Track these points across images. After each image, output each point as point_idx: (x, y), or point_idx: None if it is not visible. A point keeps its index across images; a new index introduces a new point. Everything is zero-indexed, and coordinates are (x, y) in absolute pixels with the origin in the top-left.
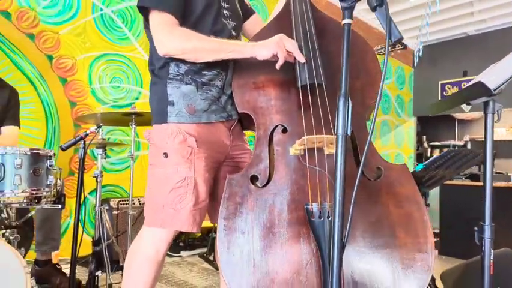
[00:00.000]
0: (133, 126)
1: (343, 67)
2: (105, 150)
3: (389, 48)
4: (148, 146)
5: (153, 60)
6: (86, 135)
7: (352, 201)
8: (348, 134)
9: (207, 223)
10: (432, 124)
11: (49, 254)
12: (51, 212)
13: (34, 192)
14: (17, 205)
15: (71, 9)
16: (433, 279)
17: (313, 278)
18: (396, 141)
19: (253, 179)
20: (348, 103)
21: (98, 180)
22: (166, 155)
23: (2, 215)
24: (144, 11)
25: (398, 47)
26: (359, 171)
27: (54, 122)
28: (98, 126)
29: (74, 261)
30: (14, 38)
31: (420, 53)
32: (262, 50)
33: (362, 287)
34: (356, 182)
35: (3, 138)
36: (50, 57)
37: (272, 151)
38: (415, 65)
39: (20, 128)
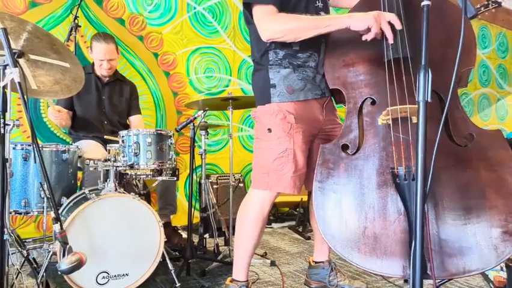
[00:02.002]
0: (231, 109)
1: (423, 44)
2: (207, 131)
3: (483, 8)
4: (239, 129)
5: (254, 52)
6: (195, 118)
7: (432, 162)
8: (428, 100)
9: (294, 198)
10: None
11: (168, 217)
12: (168, 183)
13: (161, 164)
14: (144, 176)
15: (170, 11)
16: None
17: (400, 234)
18: (497, 116)
19: (344, 147)
20: (428, 74)
21: (203, 157)
22: (270, 130)
23: (133, 186)
24: (248, 7)
25: (492, 5)
26: (439, 133)
27: (161, 110)
28: (204, 110)
29: (191, 222)
30: (128, 41)
31: None
32: (358, 22)
33: (448, 246)
34: (437, 140)
35: (135, 127)
36: (156, 55)
37: (361, 122)
38: None
39: (141, 114)
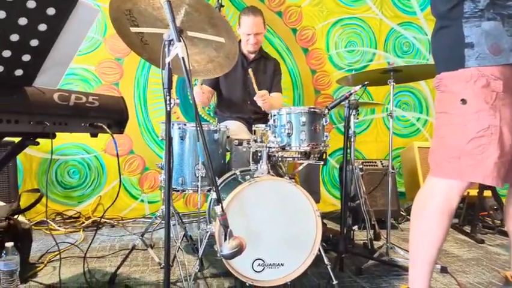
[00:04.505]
0: (392, 83)
1: None
2: (358, 110)
3: None
4: (383, 109)
5: (437, 4)
6: (351, 94)
7: None
8: None
9: None
10: None
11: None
12: (312, 167)
13: (314, 146)
14: (290, 159)
15: None
16: None
17: None
18: None
19: None
20: None
21: (352, 139)
22: (464, 101)
23: (279, 169)
24: None
25: None
26: None
27: (299, 89)
28: (363, 85)
29: (344, 213)
30: (267, 18)
31: None
32: None
33: None
34: None
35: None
36: (294, 30)
37: None
38: None
39: (282, 94)
